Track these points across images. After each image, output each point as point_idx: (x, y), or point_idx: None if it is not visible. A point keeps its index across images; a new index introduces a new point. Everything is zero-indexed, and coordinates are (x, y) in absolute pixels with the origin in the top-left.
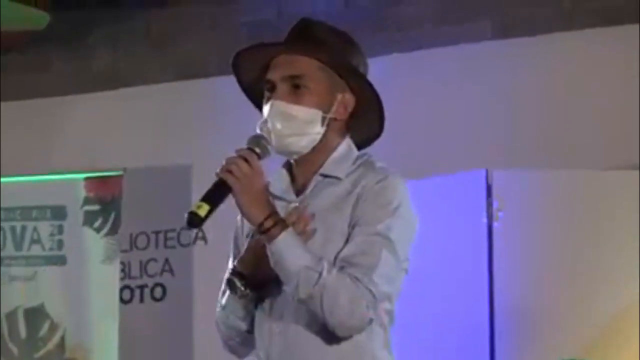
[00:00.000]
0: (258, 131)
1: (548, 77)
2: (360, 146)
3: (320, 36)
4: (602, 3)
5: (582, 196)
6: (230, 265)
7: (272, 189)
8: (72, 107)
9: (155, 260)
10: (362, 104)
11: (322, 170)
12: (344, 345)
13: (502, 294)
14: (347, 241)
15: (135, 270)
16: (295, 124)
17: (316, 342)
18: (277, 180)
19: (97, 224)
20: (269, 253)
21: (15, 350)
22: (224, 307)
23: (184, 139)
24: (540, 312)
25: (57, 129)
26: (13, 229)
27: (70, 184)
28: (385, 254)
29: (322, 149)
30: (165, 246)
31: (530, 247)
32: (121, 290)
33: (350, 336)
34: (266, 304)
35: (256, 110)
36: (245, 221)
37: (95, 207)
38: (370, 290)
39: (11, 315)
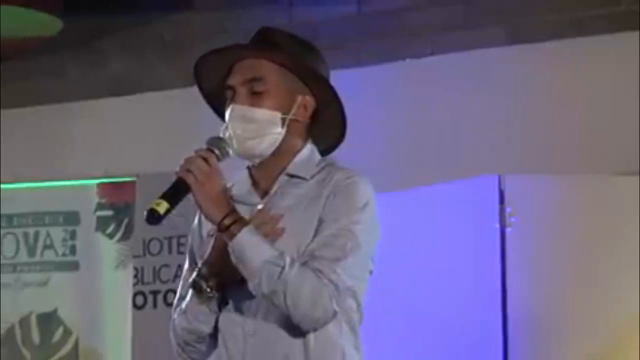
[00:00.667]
0: (220, 135)
1: (559, 83)
2: (323, 153)
3: (279, 40)
4: (611, 10)
5: (594, 201)
6: (187, 265)
7: (234, 193)
8: (85, 113)
9: (168, 265)
10: (324, 107)
11: (287, 170)
12: (317, 340)
13: (514, 300)
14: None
15: (148, 276)
16: (255, 126)
17: (290, 340)
18: (239, 184)
19: (110, 230)
20: (230, 251)
21: (28, 355)
22: (184, 312)
23: (196, 144)
24: (554, 317)
25: (69, 135)
26: (26, 234)
27: (83, 189)
28: (350, 247)
29: (284, 151)
30: (179, 252)
31: (543, 252)
32: (134, 295)
33: (315, 329)
34: (233, 305)
35: None
36: (205, 221)
37: (108, 213)
38: (333, 282)
39: (24, 321)
